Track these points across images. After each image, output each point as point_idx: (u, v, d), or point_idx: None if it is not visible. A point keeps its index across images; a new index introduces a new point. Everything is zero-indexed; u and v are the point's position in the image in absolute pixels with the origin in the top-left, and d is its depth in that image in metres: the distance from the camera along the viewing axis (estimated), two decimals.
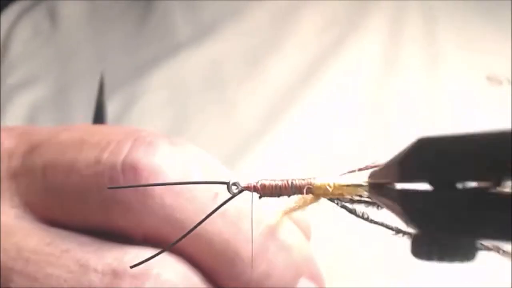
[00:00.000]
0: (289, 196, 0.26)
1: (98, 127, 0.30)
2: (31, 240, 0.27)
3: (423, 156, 0.20)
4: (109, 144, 0.28)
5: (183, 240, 0.26)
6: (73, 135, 0.29)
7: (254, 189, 0.26)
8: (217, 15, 0.62)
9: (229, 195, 0.26)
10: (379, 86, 0.55)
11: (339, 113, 0.54)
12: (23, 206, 0.29)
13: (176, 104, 0.57)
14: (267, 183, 0.26)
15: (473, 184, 0.18)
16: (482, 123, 0.49)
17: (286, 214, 0.28)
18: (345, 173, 0.26)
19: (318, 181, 0.25)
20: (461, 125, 0.50)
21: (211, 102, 0.56)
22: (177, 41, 0.61)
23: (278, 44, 0.59)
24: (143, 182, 0.26)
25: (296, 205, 0.27)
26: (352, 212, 0.26)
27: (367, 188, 0.24)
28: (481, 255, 0.25)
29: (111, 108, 0.54)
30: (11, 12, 0.70)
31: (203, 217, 0.26)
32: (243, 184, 0.26)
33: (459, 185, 0.18)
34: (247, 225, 0.27)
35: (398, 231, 0.26)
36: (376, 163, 0.25)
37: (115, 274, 0.26)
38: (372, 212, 0.26)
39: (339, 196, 0.26)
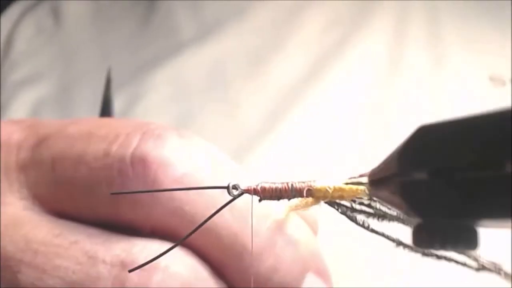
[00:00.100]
0: (289, 199, 0.26)
1: (106, 120, 0.30)
2: (40, 231, 0.28)
3: (423, 143, 0.20)
4: (117, 136, 0.28)
5: (193, 234, 0.26)
6: (82, 128, 0.29)
7: (254, 192, 0.26)
8: (220, 14, 0.62)
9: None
10: (382, 86, 0.55)
11: (342, 113, 0.54)
12: (32, 198, 0.29)
13: (179, 103, 0.57)
14: (267, 185, 0.26)
15: (473, 167, 0.18)
16: None
17: (293, 210, 0.28)
18: (346, 179, 0.26)
19: (318, 184, 0.25)
20: None
21: (214, 102, 0.56)
22: (180, 41, 0.62)
23: (281, 44, 0.59)
24: (152, 175, 0.27)
25: (300, 204, 0.27)
26: (353, 219, 0.26)
27: (367, 186, 0.24)
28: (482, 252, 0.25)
29: (115, 106, 0.54)
30: (14, 10, 0.70)
31: (213, 210, 0.26)
32: (243, 186, 0.26)
33: (460, 170, 0.18)
34: (255, 219, 0.27)
35: (399, 243, 0.26)
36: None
37: (124, 265, 0.26)
38: (374, 223, 0.27)
39: (339, 199, 0.26)
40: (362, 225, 0.26)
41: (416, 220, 0.20)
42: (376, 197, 0.23)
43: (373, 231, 0.26)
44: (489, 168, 0.17)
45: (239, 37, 0.60)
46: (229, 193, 0.25)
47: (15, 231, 0.28)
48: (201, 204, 0.27)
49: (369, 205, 0.26)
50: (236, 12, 0.62)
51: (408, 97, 0.53)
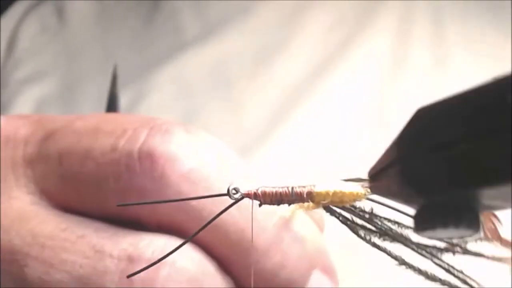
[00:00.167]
0: (289, 203, 0.26)
1: (113, 115, 0.30)
2: (47, 226, 0.28)
3: (422, 124, 0.19)
4: (125, 132, 0.28)
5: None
6: (88, 123, 0.29)
7: (254, 196, 0.25)
8: (224, 14, 0.62)
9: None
10: (386, 86, 0.55)
11: (346, 113, 0.54)
12: (39, 193, 0.29)
13: (182, 102, 0.57)
14: (267, 190, 0.25)
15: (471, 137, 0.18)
16: None
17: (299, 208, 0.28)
18: (346, 180, 0.26)
19: (318, 188, 0.25)
20: None
21: (217, 101, 0.57)
22: (184, 40, 0.62)
23: (285, 43, 0.59)
24: (160, 170, 0.26)
25: (302, 208, 0.27)
26: (355, 231, 0.26)
27: (366, 187, 0.24)
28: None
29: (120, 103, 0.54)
30: (17, 9, 0.70)
31: (220, 206, 0.26)
32: (243, 191, 0.25)
33: (458, 141, 0.18)
34: (262, 215, 0.27)
35: (402, 262, 0.26)
36: None
37: (131, 259, 0.26)
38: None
39: (340, 203, 0.26)
40: (364, 238, 0.26)
41: (417, 205, 0.20)
42: (376, 192, 0.23)
43: (374, 245, 0.26)
44: (486, 135, 0.17)
45: (242, 37, 0.60)
46: (229, 197, 0.25)
47: (22, 225, 0.28)
48: (210, 200, 0.27)
49: (370, 218, 0.26)
50: (240, 12, 0.62)
51: (411, 97, 0.53)
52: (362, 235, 0.26)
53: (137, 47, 0.62)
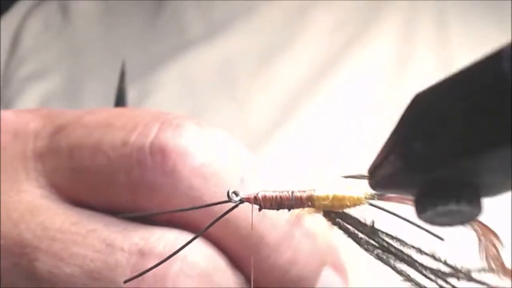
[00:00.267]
0: (289, 208, 0.26)
1: (124, 110, 0.30)
2: (57, 219, 0.27)
3: (419, 109, 0.20)
4: (136, 126, 0.28)
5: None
6: (99, 117, 0.29)
7: (254, 200, 0.25)
8: (229, 13, 0.62)
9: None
10: (391, 87, 0.55)
11: (350, 113, 0.54)
12: (49, 186, 0.29)
13: (187, 100, 0.57)
14: (267, 194, 0.25)
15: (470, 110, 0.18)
16: None
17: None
18: (347, 176, 0.26)
19: (318, 192, 0.25)
20: None
21: (222, 100, 0.56)
22: (189, 39, 0.62)
23: (289, 43, 0.59)
24: (171, 164, 0.26)
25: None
26: (356, 241, 0.26)
27: (368, 180, 0.24)
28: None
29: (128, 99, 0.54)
30: (20, 8, 0.70)
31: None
32: (243, 195, 0.25)
33: (457, 116, 0.18)
34: (272, 211, 0.27)
35: (408, 278, 0.26)
36: None
37: (142, 254, 0.26)
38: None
39: (340, 208, 0.25)
40: (367, 249, 0.26)
41: (418, 190, 0.20)
42: (376, 187, 0.23)
43: (378, 257, 0.26)
44: (486, 105, 0.18)
45: (247, 36, 0.60)
46: (230, 200, 0.25)
47: (32, 218, 0.28)
48: (220, 195, 0.27)
49: (371, 232, 0.26)
50: (244, 11, 0.62)
51: None
52: (365, 246, 0.26)
53: (141, 46, 0.62)
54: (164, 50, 0.61)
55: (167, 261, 0.26)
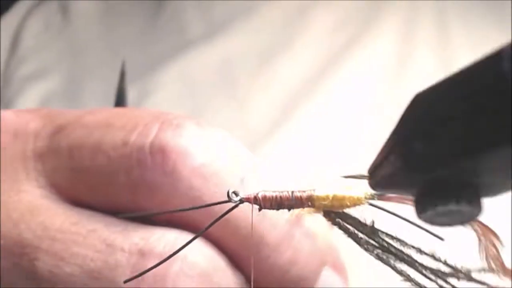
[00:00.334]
0: (289, 208, 0.26)
1: (124, 110, 0.30)
2: (57, 219, 0.27)
3: (420, 109, 0.20)
4: (136, 126, 0.28)
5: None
6: (99, 117, 0.29)
7: (254, 200, 0.25)
8: (229, 13, 0.62)
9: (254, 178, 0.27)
10: (391, 87, 0.55)
11: (350, 113, 0.54)
12: (49, 186, 0.29)
13: (187, 100, 0.57)
14: (267, 194, 0.25)
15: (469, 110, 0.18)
16: None
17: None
18: (347, 176, 0.26)
19: (318, 192, 0.25)
20: None
21: (222, 100, 0.56)
22: (189, 39, 0.62)
23: (289, 43, 0.59)
24: (171, 164, 0.26)
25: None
26: (356, 241, 0.26)
27: (368, 180, 0.24)
28: None
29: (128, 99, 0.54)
30: (20, 8, 0.70)
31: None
32: (242, 195, 0.25)
33: (457, 116, 0.18)
34: (271, 211, 0.27)
35: (408, 278, 0.26)
36: None
37: (142, 254, 0.26)
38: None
39: (340, 208, 0.25)
40: (367, 249, 0.26)
41: (418, 190, 0.20)
42: (376, 187, 0.23)
43: (378, 257, 0.26)
44: (486, 104, 0.18)
45: (247, 36, 0.60)
46: (230, 200, 0.25)
47: (32, 218, 0.28)
48: (220, 195, 0.27)
49: (371, 232, 0.26)
50: (244, 11, 0.62)
51: None
52: (365, 246, 0.26)
53: (141, 46, 0.62)
54: (164, 50, 0.61)
55: (167, 261, 0.26)
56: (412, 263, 0.26)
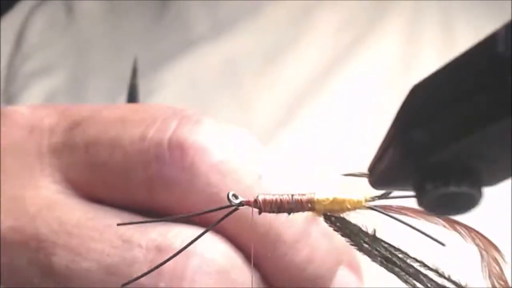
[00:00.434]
0: (289, 212, 0.25)
1: (141, 105, 0.30)
2: (74, 214, 0.27)
3: (417, 100, 0.20)
4: (154, 121, 0.27)
5: (227, 220, 0.25)
6: (116, 112, 0.29)
7: (254, 203, 0.25)
8: (234, 13, 0.62)
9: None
10: (395, 87, 0.55)
11: (354, 113, 0.54)
12: (65, 182, 0.29)
13: (191, 99, 0.57)
14: (267, 197, 0.25)
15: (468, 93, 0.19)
16: None
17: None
18: (347, 174, 0.26)
19: (318, 196, 0.25)
20: None
21: (226, 99, 0.56)
22: (194, 38, 0.61)
23: (294, 43, 0.59)
24: (190, 160, 0.26)
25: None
26: (358, 246, 0.26)
27: (368, 178, 0.23)
28: None
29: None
30: (23, 6, 0.69)
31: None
32: (243, 198, 0.25)
33: (456, 100, 0.19)
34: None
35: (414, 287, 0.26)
36: None
37: (159, 250, 0.26)
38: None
39: (340, 212, 0.25)
40: (370, 256, 0.26)
41: (417, 182, 0.20)
42: (376, 185, 0.23)
43: (382, 264, 0.26)
44: (483, 84, 0.18)
45: (252, 36, 0.60)
46: (230, 202, 0.25)
47: (49, 213, 0.27)
48: (238, 191, 0.26)
49: (372, 240, 0.26)
50: (249, 11, 0.62)
51: None
52: (367, 252, 0.26)
53: (145, 44, 0.62)
54: (168, 49, 0.61)
55: (186, 258, 0.26)
56: (416, 275, 0.25)
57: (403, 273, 0.25)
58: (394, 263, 0.25)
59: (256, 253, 0.27)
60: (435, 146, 0.19)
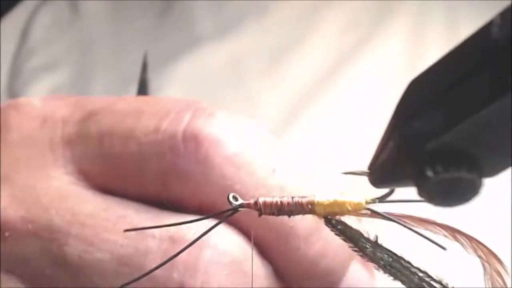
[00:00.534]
0: (289, 215, 0.25)
1: (156, 98, 0.30)
2: (87, 205, 0.27)
3: (415, 92, 0.20)
4: (168, 113, 0.27)
5: (240, 213, 0.26)
6: (131, 104, 0.29)
7: (255, 205, 0.25)
8: (239, 13, 0.62)
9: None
10: (401, 87, 0.55)
11: (360, 113, 0.54)
12: (77, 173, 0.29)
13: (196, 98, 0.57)
14: (267, 200, 0.25)
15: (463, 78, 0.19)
16: None
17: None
18: (347, 172, 0.26)
19: (318, 198, 0.25)
20: None
21: (230, 99, 0.56)
22: (197, 37, 0.62)
23: (300, 43, 0.60)
24: (204, 152, 0.26)
25: None
26: (359, 248, 0.26)
27: (368, 176, 0.23)
28: None
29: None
30: (28, 4, 0.70)
31: (262, 191, 0.26)
32: (242, 201, 0.25)
33: (452, 84, 0.19)
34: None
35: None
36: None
37: (173, 240, 0.26)
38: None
39: (341, 215, 0.25)
40: (372, 260, 0.26)
41: (417, 175, 0.20)
42: (376, 182, 0.23)
43: (384, 267, 0.26)
44: (477, 69, 0.19)
45: (257, 36, 0.60)
46: (230, 204, 0.25)
47: (62, 204, 0.28)
48: (252, 184, 0.27)
49: (374, 246, 0.25)
50: (254, 11, 0.62)
51: None
52: (370, 256, 0.26)
53: (150, 43, 0.62)
54: (172, 49, 0.61)
55: (199, 249, 0.26)
56: (420, 284, 0.25)
57: (406, 280, 0.25)
58: (398, 270, 0.25)
59: (269, 246, 0.27)
60: (434, 133, 0.19)
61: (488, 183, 0.21)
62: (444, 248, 0.24)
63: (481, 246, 0.24)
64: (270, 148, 0.28)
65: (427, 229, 0.25)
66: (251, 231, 0.27)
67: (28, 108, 0.31)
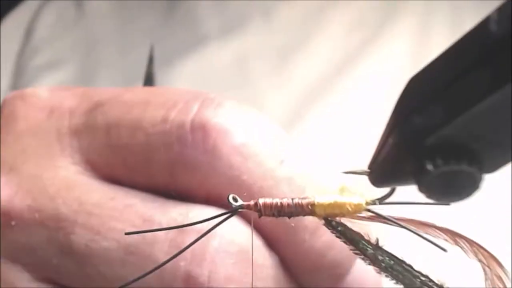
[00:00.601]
0: (289, 216, 0.25)
1: (163, 88, 0.30)
2: (94, 194, 0.27)
3: (415, 89, 0.20)
4: (176, 103, 0.27)
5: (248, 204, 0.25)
6: (138, 95, 0.29)
7: (254, 206, 0.25)
8: (244, 13, 0.62)
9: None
10: None
11: (365, 113, 0.54)
12: (84, 163, 0.29)
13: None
14: (268, 201, 0.25)
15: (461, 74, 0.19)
16: None
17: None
18: (347, 172, 0.26)
19: (319, 199, 0.25)
20: None
21: (235, 98, 0.57)
22: (202, 36, 0.62)
23: (306, 43, 0.60)
24: (212, 142, 0.26)
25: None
26: (360, 250, 0.25)
27: (368, 175, 0.24)
28: None
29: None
30: (32, 3, 0.70)
31: (270, 182, 0.26)
32: (242, 202, 0.25)
33: (451, 80, 0.19)
34: (312, 193, 0.26)
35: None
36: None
37: (181, 229, 0.26)
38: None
39: (341, 216, 0.25)
40: (374, 263, 0.25)
41: (417, 172, 0.20)
42: (376, 181, 0.23)
43: (386, 270, 0.25)
44: (476, 64, 0.19)
45: (263, 36, 0.60)
46: (230, 204, 0.25)
47: (69, 193, 0.27)
48: (259, 174, 0.26)
49: (375, 249, 0.25)
50: (260, 11, 0.62)
51: None
52: (371, 258, 0.25)
53: (156, 41, 0.61)
54: (177, 47, 0.61)
55: (206, 238, 0.25)
56: (421, 287, 0.25)
57: (408, 283, 0.25)
58: (400, 273, 0.25)
59: (277, 238, 0.27)
60: (434, 127, 0.20)
61: (488, 183, 0.21)
62: (444, 250, 0.24)
63: (481, 250, 0.24)
64: (278, 139, 0.28)
65: (427, 233, 0.25)
66: (253, 221, 0.27)
67: (35, 98, 0.31)
